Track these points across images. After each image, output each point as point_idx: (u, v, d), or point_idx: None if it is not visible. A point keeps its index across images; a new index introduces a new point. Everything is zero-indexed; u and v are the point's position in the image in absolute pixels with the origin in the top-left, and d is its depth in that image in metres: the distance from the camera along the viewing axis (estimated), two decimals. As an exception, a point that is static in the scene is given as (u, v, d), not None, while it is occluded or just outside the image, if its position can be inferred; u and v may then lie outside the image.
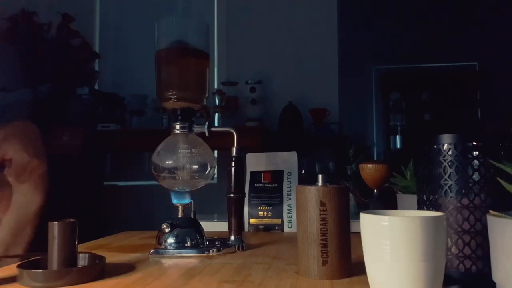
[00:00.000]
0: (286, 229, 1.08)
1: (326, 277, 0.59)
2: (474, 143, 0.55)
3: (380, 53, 4.47)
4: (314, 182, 0.62)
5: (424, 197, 0.60)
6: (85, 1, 3.19)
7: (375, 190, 0.75)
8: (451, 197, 0.56)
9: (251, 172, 1.14)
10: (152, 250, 0.78)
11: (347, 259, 0.61)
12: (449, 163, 0.56)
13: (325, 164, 2.41)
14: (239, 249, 0.81)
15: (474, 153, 0.55)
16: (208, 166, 0.83)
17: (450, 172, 0.56)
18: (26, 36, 2.49)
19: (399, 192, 0.94)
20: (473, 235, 0.54)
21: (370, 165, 0.73)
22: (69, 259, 0.60)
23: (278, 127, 2.78)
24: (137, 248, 0.85)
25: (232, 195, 0.84)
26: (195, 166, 0.82)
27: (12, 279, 0.59)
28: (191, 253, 0.78)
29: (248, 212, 1.10)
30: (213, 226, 1.19)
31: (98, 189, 2.74)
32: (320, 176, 0.62)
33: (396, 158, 4.20)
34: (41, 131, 0.99)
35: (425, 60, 4.40)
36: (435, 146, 0.58)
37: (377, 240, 0.48)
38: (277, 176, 1.12)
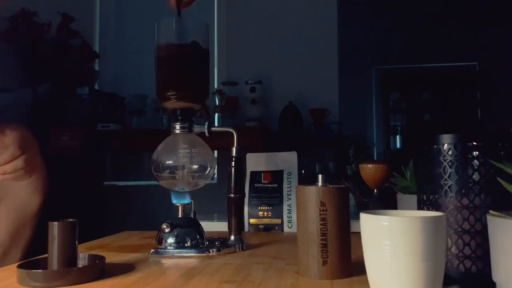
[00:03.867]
0: (286, 229, 1.08)
1: (326, 277, 0.59)
2: (474, 143, 0.55)
3: (380, 53, 4.47)
4: (314, 182, 0.62)
5: (424, 197, 0.60)
6: (85, 1, 3.19)
7: (375, 190, 0.75)
8: (451, 197, 0.56)
9: (251, 172, 1.14)
10: (152, 250, 0.78)
11: (347, 259, 0.61)
12: (449, 163, 0.56)
13: (325, 164, 2.42)
14: (239, 249, 0.81)
15: (474, 153, 0.55)
16: (208, 166, 0.83)
17: (450, 172, 0.56)
18: (26, 36, 2.49)
19: (399, 192, 0.94)
20: (473, 235, 0.54)
21: (370, 165, 0.73)
22: (69, 259, 0.60)
23: (278, 127, 2.78)
24: (137, 248, 0.85)
25: (232, 195, 0.84)
26: (195, 166, 0.82)
27: (12, 279, 0.59)
28: (191, 253, 0.77)
29: (248, 212, 1.10)
30: (213, 226, 1.19)
31: (98, 189, 2.74)
32: (320, 176, 0.62)
33: (396, 158, 4.20)
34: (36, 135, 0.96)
35: (425, 60, 4.40)
36: (435, 146, 0.58)
37: (377, 240, 0.48)
38: (277, 176, 1.12)
